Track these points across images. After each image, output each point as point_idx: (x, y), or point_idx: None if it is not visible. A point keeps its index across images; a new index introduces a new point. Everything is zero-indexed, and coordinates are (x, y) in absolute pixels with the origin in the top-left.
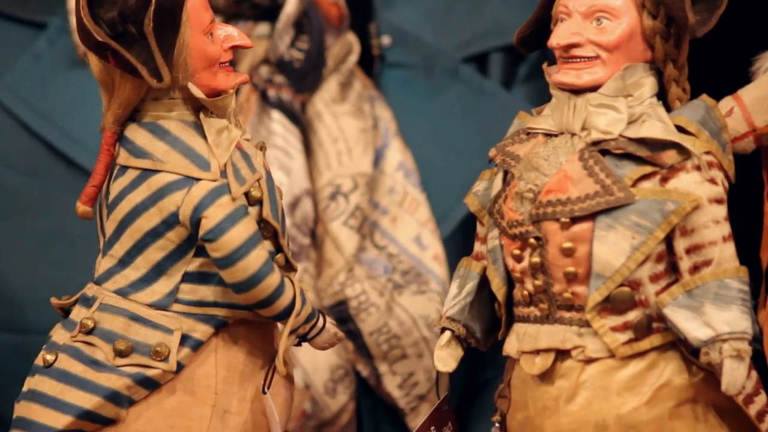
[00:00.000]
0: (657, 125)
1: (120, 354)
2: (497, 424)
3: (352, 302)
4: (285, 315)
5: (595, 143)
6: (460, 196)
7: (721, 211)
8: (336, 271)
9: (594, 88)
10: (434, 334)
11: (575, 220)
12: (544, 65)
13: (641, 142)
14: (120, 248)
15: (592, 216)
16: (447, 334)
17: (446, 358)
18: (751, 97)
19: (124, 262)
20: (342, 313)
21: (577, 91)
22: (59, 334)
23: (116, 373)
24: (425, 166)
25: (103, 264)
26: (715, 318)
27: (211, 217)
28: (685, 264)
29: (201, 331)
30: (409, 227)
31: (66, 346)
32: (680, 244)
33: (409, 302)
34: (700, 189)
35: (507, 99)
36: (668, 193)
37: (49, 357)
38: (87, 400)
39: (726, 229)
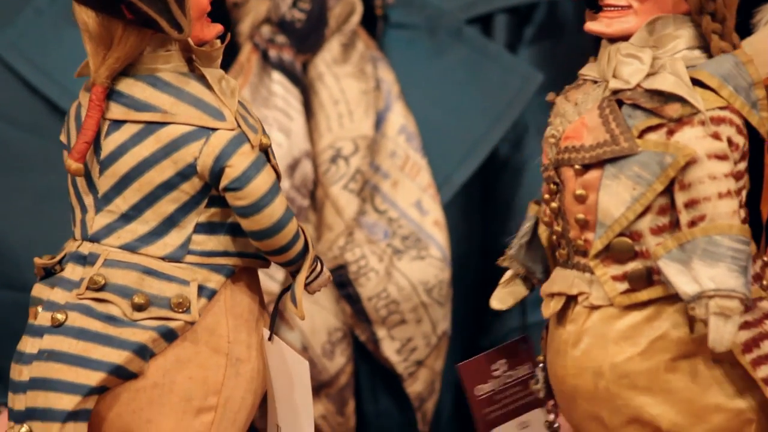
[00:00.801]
0: (668, 78)
1: (139, 308)
2: (541, 365)
3: (352, 267)
4: (297, 260)
5: (615, 92)
6: (462, 160)
7: (721, 167)
8: (336, 235)
9: (626, 38)
10: (433, 300)
11: (587, 167)
12: (587, 11)
13: (653, 93)
14: (122, 203)
15: (601, 164)
16: (508, 272)
17: (504, 296)
18: (752, 51)
19: (129, 216)
20: (341, 278)
21: (613, 39)
22: (56, 294)
23: (138, 327)
24: (426, 129)
25: (99, 221)
26: (702, 274)
27: (236, 166)
28: (683, 218)
29: (215, 281)
30: (410, 192)
31: (73, 304)
32: (679, 198)
33: (409, 267)
34: (699, 144)
35: (511, 61)
36: (667, 146)
37: (60, 316)
38: (116, 356)
39: (724, 185)
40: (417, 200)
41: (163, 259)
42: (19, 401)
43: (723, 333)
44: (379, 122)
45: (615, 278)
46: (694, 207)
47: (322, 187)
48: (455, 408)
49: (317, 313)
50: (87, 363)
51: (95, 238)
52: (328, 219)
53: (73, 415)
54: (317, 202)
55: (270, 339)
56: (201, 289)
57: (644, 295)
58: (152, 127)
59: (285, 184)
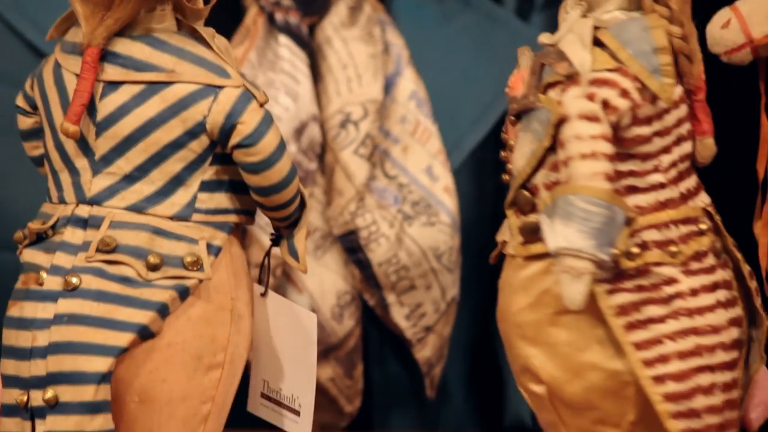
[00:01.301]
0: (567, 36)
1: (153, 268)
2: None
3: (363, 232)
4: (294, 214)
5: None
6: (471, 126)
7: (588, 128)
8: (347, 201)
9: None
10: (443, 266)
11: (517, 118)
12: None
13: (560, 51)
14: (125, 164)
15: (520, 117)
16: None
17: None
18: (749, 8)
19: (134, 177)
20: (352, 243)
21: None
22: (60, 258)
23: (155, 287)
24: (436, 95)
25: (98, 183)
26: (559, 231)
27: (248, 123)
28: (561, 176)
29: (219, 238)
30: (420, 157)
31: (83, 267)
32: (559, 156)
33: (419, 233)
34: (573, 103)
35: (520, 27)
36: (552, 103)
37: (74, 280)
38: (142, 316)
39: (587, 146)
40: (427, 166)
41: (171, 218)
42: (35, 366)
43: (572, 291)
44: (389, 87)
45: (519, 229)
46: (566, 165)
47: (331, 152)
48: (463, 374)
49: (326, 276)
50: (113, 324)
51: (95, 201)
52: (339, 184)
53: (106, 377)
54: (327, 167)
55: (264, 294)
56: (209, 246)
57: (537, 248)
58: (156, 87)
59: (292, 147)
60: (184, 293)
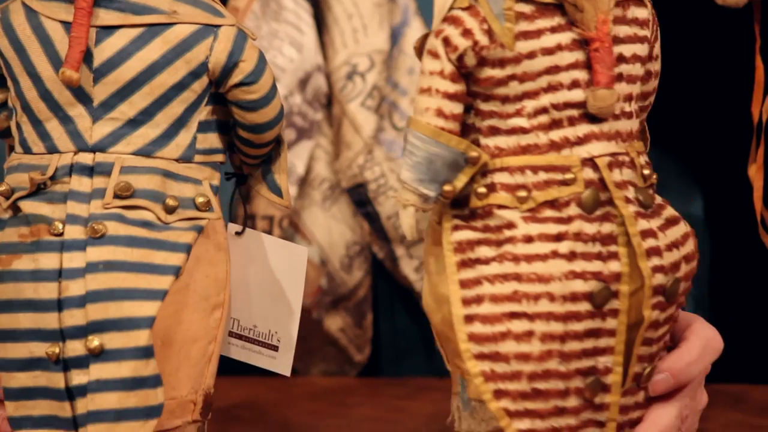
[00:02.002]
0: None
1: (171, 211)
2: None
3: (371, 185)
4: (271, 151)
5: None
6: None
7: (429, 64)
8: (355, 154)
9: None
10: None
11: None
12: None
13: None
14: (129, 109)
15: None
16: None
17: None
18: None
19: (138, 121)
20: (361, 196)
21: None
22: (74, 207)
23: (176, 229)
24: None
25: (100, 129)
26: (401, 163)
27: (249, 60)
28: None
29: (216, 178)
30: None
31: (102, 214)
32: None
33: None
34: (429, 39)
35: None
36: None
37: (100, 227)
38: (176, 258)
39: (425, 81)
40: None
41: (177, 161)
42: (70, 317)
43: (403, 222)
44: (397, 37)
45: None
46: None
47: (339, 104)
48: None
49: (335, 227)
50: (152, 268)
51: (99, 148)
52: (347, 137)
53: (154, 321)
54: (334, 119)
55: (240, 233)
56: (211, 187)
57: None
58: (155, 29)
59: (297, 98)
60: (200, 233)
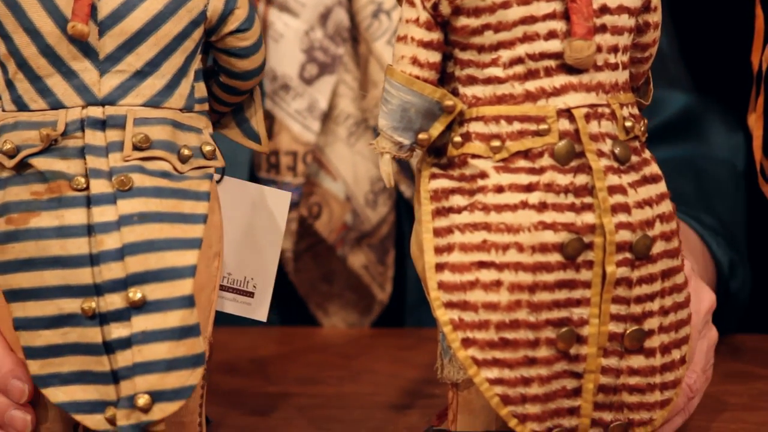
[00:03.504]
0: None
1: (185, 160)
2: None
3: None
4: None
5: None
6: None
7: (407, 12)
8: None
9: None
10: None
11: None
12: None
13: None
14: (136, 60)
15: None
16: None
17: None
18: None
19: (145, 72)
20: None
21: None
22: (93, 162)
23: (191, 178)
24: None
25: (108, 82)
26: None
27: (243, 6)
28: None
29: (210, 126)
30: None
31: (124, 167)
32: None
33: None
34: None
35: None
36: None
37: (126, 180)
38: (202, 207)
39: (402, 29)
40: None
41: (181, 110)
42: (108, 270)
43: (381, 169)
44: None
45: None
46: None
47: (365, 42)
48: None
49: (360, 163)
50: (184, 218)
51: (109, 101)
52: (373, 75)
53: (196, 269)
54: (361, 58)
55: (219, 181)
56: (210, 135)
57: None
58: None
59: (318, 33)
60: (210, 182)
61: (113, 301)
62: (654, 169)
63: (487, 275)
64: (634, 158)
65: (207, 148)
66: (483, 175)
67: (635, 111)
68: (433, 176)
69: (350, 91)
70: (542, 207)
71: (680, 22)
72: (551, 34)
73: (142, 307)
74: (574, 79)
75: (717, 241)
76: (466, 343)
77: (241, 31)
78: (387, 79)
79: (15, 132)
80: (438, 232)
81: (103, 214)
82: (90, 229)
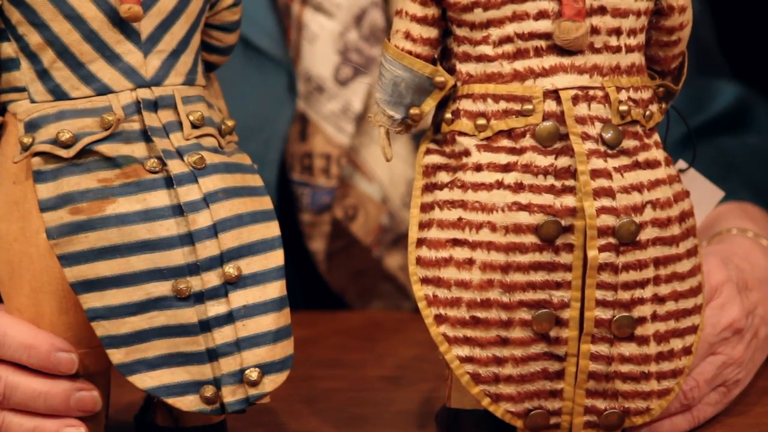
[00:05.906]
0: None
1: (224, 135)
2: None
3: None
4: None
5: None
6: None
7: None
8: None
9: None
10: None
11: None
12: None
13: None
14: (171, 39)
15: None
16: None
17: None
18: None
19: (178, 51)
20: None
21: None
22: (162, 143)
23: (234, 153)
24: None
25: (152, 63)
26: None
27: None
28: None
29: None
30: None
31: (187, 146)
32: None
33: None
34: None
35: None
36: None
37: (196, 158)
38: (259, 179)
39: (400, 4)
40: None
41: (204, 87)
42: (203, 249)
43: (378, 142)
44: None
45: None
46: None
47: None
48: None
49: (396, 164)
50: (255, 191)
51: (155, 81)
52: None
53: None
54: None
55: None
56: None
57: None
58: None
59: (353, 34)
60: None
61: (209, 279)
62: (654, 155)
63: (460, 253)
64: (630, 143)
65: (230, 123)
66: (466, 152)
67: (643, 95)
68: (428, 152)
69: None
70: (518, 187)
71: (720, 14)
72: (541, 14)
73: (237, 282)
74: (565, 61)
75: None
76: (439, 319)
77: (235, 4)
78: (382, 53)
79: (65, 121)
80: (423, 208)
81: (189, 193)
82: (175, 210)
